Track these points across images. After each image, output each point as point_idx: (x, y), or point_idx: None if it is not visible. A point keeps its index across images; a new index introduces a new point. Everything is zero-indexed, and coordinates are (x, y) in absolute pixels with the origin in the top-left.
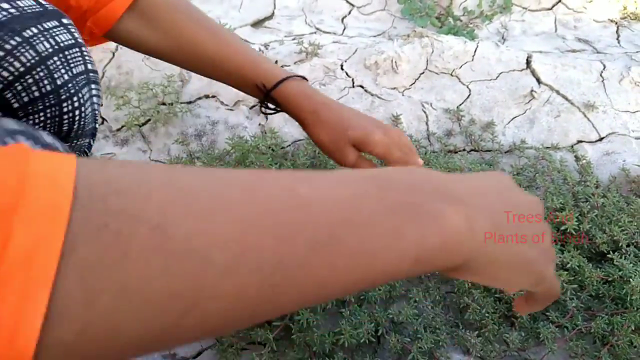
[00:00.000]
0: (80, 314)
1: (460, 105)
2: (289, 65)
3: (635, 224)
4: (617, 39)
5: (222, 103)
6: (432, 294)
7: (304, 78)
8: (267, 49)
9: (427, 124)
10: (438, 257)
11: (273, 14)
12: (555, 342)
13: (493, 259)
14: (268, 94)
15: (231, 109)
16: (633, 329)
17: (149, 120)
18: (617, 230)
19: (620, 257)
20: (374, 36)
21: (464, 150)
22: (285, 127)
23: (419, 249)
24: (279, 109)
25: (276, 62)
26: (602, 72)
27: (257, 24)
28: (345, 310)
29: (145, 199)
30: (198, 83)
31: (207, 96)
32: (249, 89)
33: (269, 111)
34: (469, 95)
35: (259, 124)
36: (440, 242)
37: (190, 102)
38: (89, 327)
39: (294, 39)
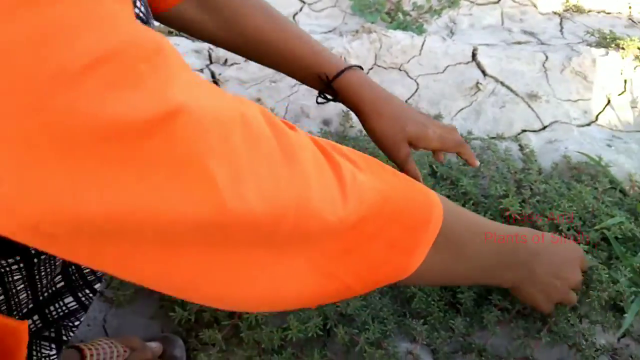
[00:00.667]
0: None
1: (408, 99)
2: (239, 63)
3: (575, 208)
4: (561, 30)
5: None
6: None
7: (361, 68)
8: (217, 47)
9: None
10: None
11: None
12: (497, 325)
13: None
14: (329, 84)
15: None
16: (570, 308)
17: None
18: (558, 214)
19: None
20: (325, 32)
21: None
22: None
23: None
24: (336, 99)
25: (232, 65)
26: (544, 63)
27: None
28: None
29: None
30: None
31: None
32: (309, 78)
33: (323, 100)
34: (417, 89)
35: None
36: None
37: None
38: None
39: None
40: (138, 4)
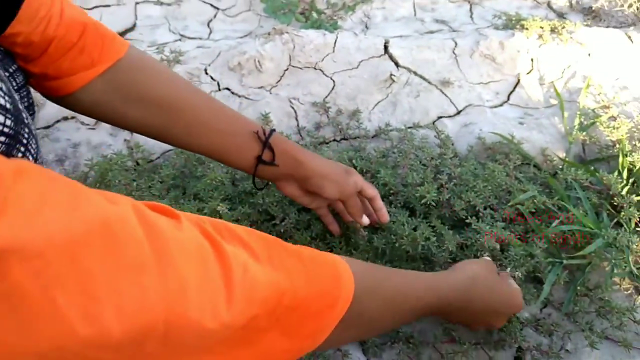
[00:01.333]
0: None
1: (326, 97)
2: None
3: (490, 187)
4: (471, 16)
5: (82, 123)
6: None
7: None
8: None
9: (296, 119)
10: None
11: (135, 25)
12: None
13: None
14: (267, 142)
15: (93, 128)
16: None
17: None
18: (473, 195)
19: (478, 221)
20: (241, 37)
21: (334, 140)
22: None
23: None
24: (272, 162)
25: None
26: (454, 49)
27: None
28: None
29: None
30: (53, 105)
31: (65, 118)
32: (243, 147)
33: (261, 183)
34: (333, 87)
35: (124, 140)
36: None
37: (47, 127)
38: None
39: (157, 49)
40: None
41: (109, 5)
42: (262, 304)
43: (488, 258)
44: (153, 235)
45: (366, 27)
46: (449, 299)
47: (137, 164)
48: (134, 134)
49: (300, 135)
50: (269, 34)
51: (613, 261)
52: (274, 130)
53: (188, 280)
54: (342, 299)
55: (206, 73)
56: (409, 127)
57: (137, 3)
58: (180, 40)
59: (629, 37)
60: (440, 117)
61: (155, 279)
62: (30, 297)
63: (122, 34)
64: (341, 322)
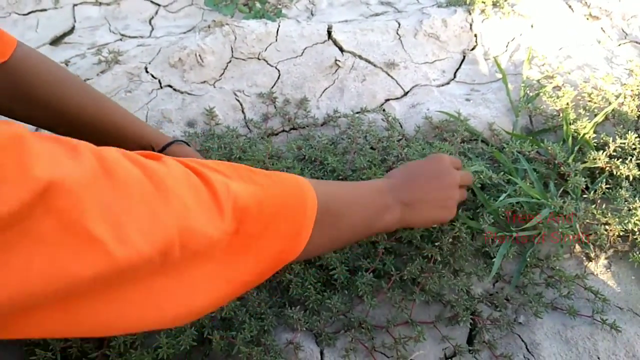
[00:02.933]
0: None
1: (272, 87)
2: (92, 79)
3: None
4: None
5: None
6: None
7: (186, 143)
8: (67, 65)
9: (243, 111)
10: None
11: (73, 27)
12: (375, 296)
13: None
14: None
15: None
16: (443, 264)
17: None
18: None
19: None
20: (184, 32)
21: (283, 131)
22: None
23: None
24: None
25: (85, 80)
26: (397, 30)
27: (57, 40)
28: None
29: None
30: None
31: None
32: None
33: None
34: (279, 76)
35: None
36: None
37: None
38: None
39: (96, 51)
40: None
41: (45, 10)
42: (246, 210)
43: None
44: (148, 172)
45: (311, 13)
46: (398, 189)
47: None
48: None
49: (248, 128)
50: (209, 27)
51: (560, 230)
52: (175, 141)
53: (187, 202)
54: (309, 200)
55: (146, 71)
56: (357, 112)
57: (75, 5)
58: (121, 40)
59: (570, 7)
60: (388, 100)
61: (162, 205)
62: (71, 231)
63: (61, 37)
64: (317, 224)
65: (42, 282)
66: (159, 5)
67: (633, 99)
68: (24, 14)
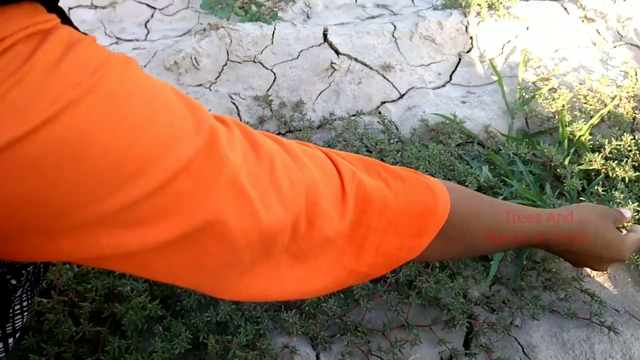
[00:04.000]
0: None
1: (268, 90)
2: None
3: (434, 167)
4: None
5: None
6: None
7: None
8: None
9: (239, 114)
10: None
11: None
12: (371, 299)
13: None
14: None
15: None
16: (438, 265)
17: None
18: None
19: None
20: (180, 36)
21: (279, 133)
22: None
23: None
24: None
25: None
26: (393, 32)
27: None
28: (157, 326)
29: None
30: None
31: None
32: None
33: None
34: (274, 79)
35: None
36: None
37: None
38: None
39: None
40: None
41: None
42: (368, 202)
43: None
44: (285, 147)
45: (307, 16)
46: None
47: None
48: None
49: None
50: (204, 30)
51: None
52: None
53: (317, 178)
54: (440, 206)
55: None
56: (353, 115)
57: (70, 8)
58: (116, 43)
59: (565, 9)
60: (384, 103)
61: (298, 175)
62: (233, 182)
63: None
64: (444, 235)
65: (196, 221)
66: (154, 8)
67: (628, 101)
68: None
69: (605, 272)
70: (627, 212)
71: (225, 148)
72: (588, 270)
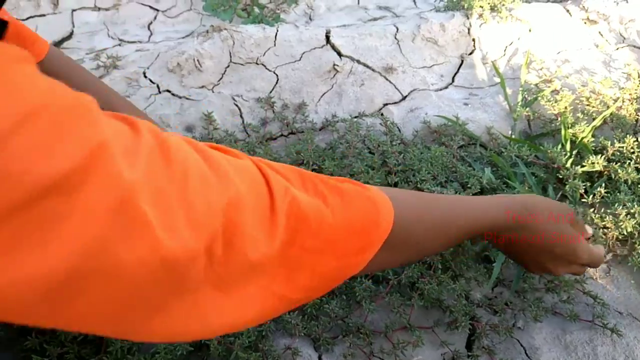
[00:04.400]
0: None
1: (270, 92)
2: None
3: (436, 169)
4: (414, 0)
5: None
6: None
7: None
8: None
9: (241, 116)
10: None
11: (72, 32)
12: (373, 301)
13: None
14: None
15: None
16: (441, 267)
17: None
18: (419, 178)
19: None
20: (183, 37)
21: (281, 135)
22: None
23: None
24: None
25: None
26: (395, 34)
27: (56, 46)
28: None
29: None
30: None
31: None
32: None
33: None
34: (277, 81)
35: None
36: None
37: None
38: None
39: (95, 56)
40: None
41: (44, 15)
42: (303, 220)
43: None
44: (210, 160)
45: (310, 18)
46: (500, 224)
47: None
48: None
49: (246, 133)
50: (207, 32)
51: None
52: None
53: (241, 193)
54: (382, 218)
55: (145, 76)
56: (355, 117)
57: (73, 10)
58: (119, 45)
59: (568, 11)
60: (386, 104)
61: (218, 189)
62: (125, 205)
63: (59, 43)
64: (387, 245)
65: (82, 258)
66: (157, 10)
67: (631, 103)
68: (23, 19)
69: (579, 274)
70: (589, 229)
71: (117, 163)
72: (591, 272)
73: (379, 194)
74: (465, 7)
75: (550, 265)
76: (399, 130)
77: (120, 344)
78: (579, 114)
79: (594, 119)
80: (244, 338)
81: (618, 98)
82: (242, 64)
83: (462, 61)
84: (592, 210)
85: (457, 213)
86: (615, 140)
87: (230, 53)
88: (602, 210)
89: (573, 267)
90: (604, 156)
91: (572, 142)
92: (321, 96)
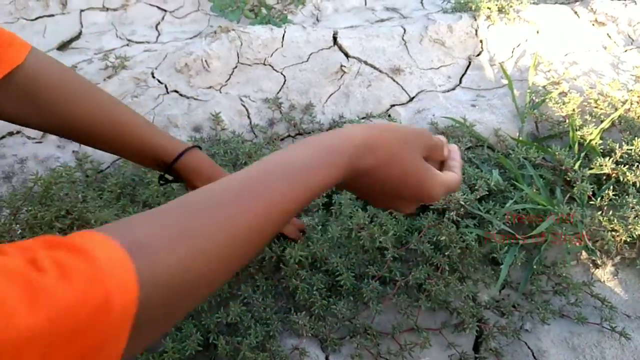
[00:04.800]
0: None
1: (277, 92)
2: (99, 84)
3: None
4: (421, 2)
5: (28, 137)
6: (260, 286)
7: (199, 147)
8: (74, 70)
9: (248, 117)
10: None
11: (80, 33)
12: (380, 302)
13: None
14: (170, 167)
15: (39, 142)
16: (448, 269)
17: None
18: None
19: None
20: (191, 38)
21: (288, 136)
22: None
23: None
24: (178, 179)
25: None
26: (403, 36)
27: (64, 46)
28: None
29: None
30: None
31: (10, 133)
32: (147, 163)
33: (165, 182)
34: (284, 82)
35: (73, 151)
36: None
37: None
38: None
39: (103, 56)
40: None
41: (52, 15)
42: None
43: (418, 129)
44: None
45: (317, 19)
46: (335, 182)
47: (87, 175)
48: (82, 145)
49: (254, 133)
50: (215, 32)
51: (564, 238)
52: (187, 150)
53: None
54: (115, 297)
55: (153, 77)
56: (362, 118)
57: (82, 11)
58: (127, 45)
59: (576, 13)
60: (393, 105)
61: None
62: None
63: (68, 43)
64: (142, 324)
65: None
66: (165, 11)
67: (639, 105)
68: (31, 20)
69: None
70: (448, 149)
71: None
72: (599, 274)
73: (110, 254)
74: (473, 8)
75: (397, 204)
76: None
77: None
78: (587, 116)
79: (602, 121)
80: (252, 338)
81: (626, 100)
82: (249, 65)
83: (470, 62)
84: (600, 213)
85: (270, 210)
86: (623, 143)
87: (237, 54)
88: (610, 213)
89: (425, 202)
90: (612, 159)
91: (580, 145)
92: (328, 97)
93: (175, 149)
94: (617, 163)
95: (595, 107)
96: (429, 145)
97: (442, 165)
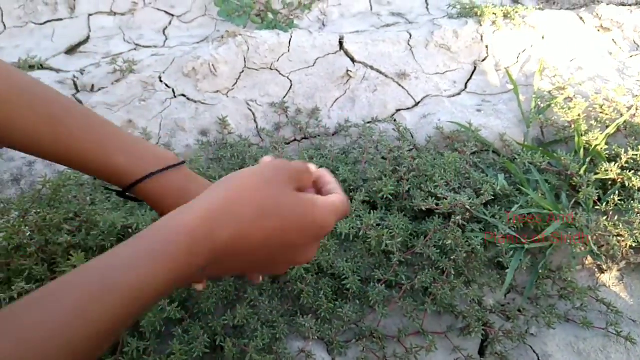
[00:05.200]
0: None
1: (284, 97)
2: (106, 87)
3: (449, 175)
4: (427, 7)
5: None
6: (266, 289)
7: (181, 163)
8: (82, 74)
9: (255, 121)
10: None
11: (88, 37)
12: (386, 306)
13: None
14: (126, 191)
15: None
16: (454, 273)
17: None
18: (432, 185)
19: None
20: (198, 42)
21: (294, 140)
22: None
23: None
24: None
25: (100, 89)
26: (409, 41)
27: (72, 50)
28: (176, 329)
29: None
30: None
31: None
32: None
33: (127, 199)
34: (291, 86)
35: None
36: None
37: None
38: None
39: (112, 60)
40: None
41: (61, 19)
42: None
43: (270, 160)
44: None
45: (323, 24)
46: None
47: (95, 178)
48: None
49: (260, 137)
50: (222, 37)
51: (569, 241)
52: (158, 172)
53: None
54: None
55: (161, 81)
56: (368, 122)
57: (90, 15)
58: (135, 49)
59: (581, 18)
60: (399, 110)
61: None
62: None
63: (76, 47)
64: None
65: None
66: (172, 15)
67: None
68: (40, 24)
69: None
70: (312, 165)
71: None
72: (604, 279)
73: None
74: (478, 14)
75: (291, 254)
76: (412, 136)
77: (136, 344)
78: (593, 122)
79: (607, 127)
80: (258, 340)
81: (632, 106)
82: (256, 69)
83: (475, 68)
84: (605, 218)
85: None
86: (629, 148)
87: (244, 58)
88: (616, 218)
89: (321, 234)
90: (617, 164)
91: (586, 150)
92: (334, 101)
93: (133, 173)
94: (622, 168)
95: (601, 113)
96: (292, 173)
97: (319, 193)
